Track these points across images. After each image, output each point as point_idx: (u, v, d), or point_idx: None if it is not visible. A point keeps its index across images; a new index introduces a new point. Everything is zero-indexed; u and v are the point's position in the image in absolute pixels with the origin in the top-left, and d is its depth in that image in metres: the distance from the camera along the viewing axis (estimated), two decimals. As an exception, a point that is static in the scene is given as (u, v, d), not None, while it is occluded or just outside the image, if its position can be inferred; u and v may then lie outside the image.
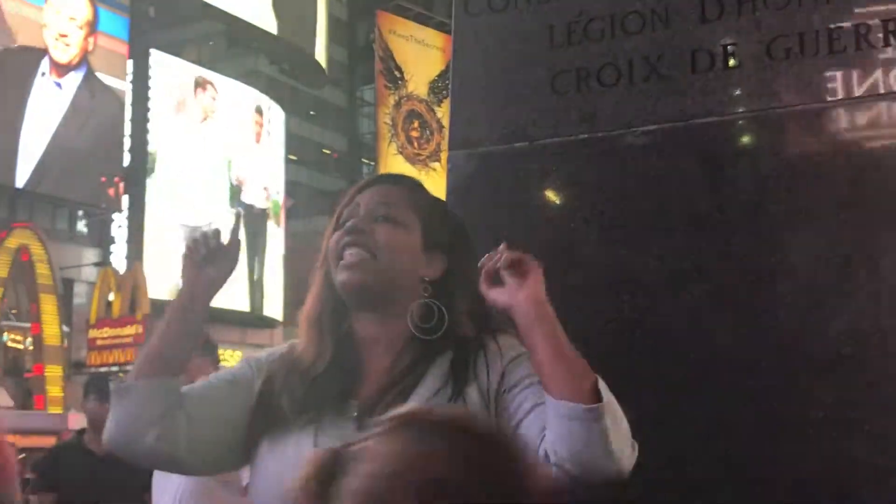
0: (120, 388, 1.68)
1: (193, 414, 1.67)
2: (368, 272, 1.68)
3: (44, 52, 28.69)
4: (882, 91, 2.17)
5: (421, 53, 36.32)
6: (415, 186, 1.83)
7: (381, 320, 1.71)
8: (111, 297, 26.47)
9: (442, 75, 34.41)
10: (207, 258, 1.74)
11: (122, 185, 31.04)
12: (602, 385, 1.54)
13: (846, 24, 2.20)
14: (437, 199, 1.87)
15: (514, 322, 1.65)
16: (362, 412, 1.62)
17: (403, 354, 1.68)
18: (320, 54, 43.50)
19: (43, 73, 28.72)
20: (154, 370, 1.67)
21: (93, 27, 30.07)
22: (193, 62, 37.76)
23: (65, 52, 29.44)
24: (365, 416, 1.59)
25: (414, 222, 1.74)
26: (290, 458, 1.58)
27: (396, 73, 35.54)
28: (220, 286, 1.76)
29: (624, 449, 1.52)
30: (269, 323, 40.19)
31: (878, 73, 2.17)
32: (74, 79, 29.71)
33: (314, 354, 1.71)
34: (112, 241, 32.14)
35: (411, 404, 1.53)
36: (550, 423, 1.51)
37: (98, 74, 30.32)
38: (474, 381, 1.62)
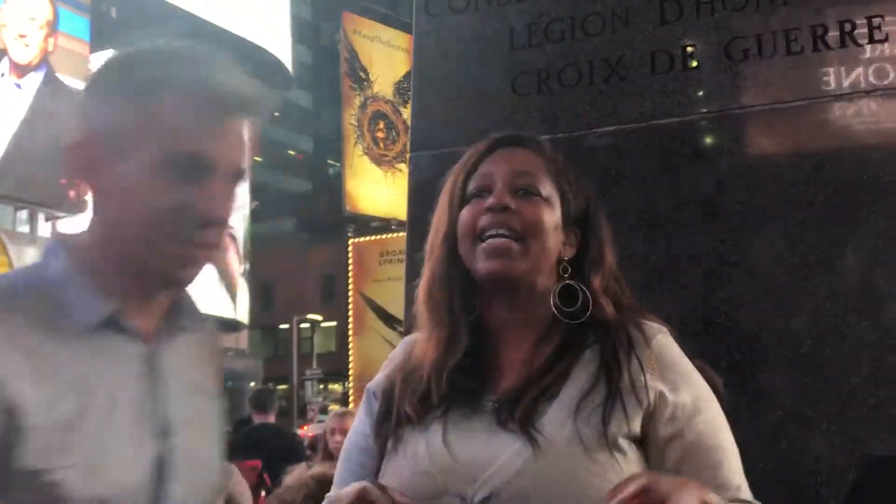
0: None
1: None
2: (518, 258, 1.47)
3: (2, 52, 28.35)
4: (838, 91, 2.19)
5: (386, 54, 36.26)
6: (546, 149, 1.61)
7: (518, 306, 1.51)
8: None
9: (407, 76, 34.34)
10: None
11: (82, 187, 30.70)
12: None
13: (803, 26, 2.22)
14: (570, 166, 1.62)
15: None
16: (501, 408, 1.44)
17: (543, 344, 1.50)
18: (285, 55, 43.28)
19: (2, 74, 28.39)
20: None
21: (53, 27, 29.75)
22: (156, 63, 37.42)
23: (24, 53, 29.10)
24: (504, 412, 1.43)
25: (554, 195, 1.53)
26: (421, 456, 1.44)
27: (361, 73, 35.45)
28: None
29: None
30: (234, 326, 39.97)
31: (833, 74, 2.20)
32: (34, 79, 29.37)
33: (446, 345, 1.51)
34: (74, 243, 31.80)
35: (558, 405, 1.42)
36: None
37: (59, 75, 30.01)
38: (628, 380, 1.43)
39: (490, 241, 1.48)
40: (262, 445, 6.24)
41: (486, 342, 1.53)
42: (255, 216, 41.14)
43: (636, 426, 1.41)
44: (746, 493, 1.43)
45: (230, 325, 39.24)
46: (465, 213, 1.53)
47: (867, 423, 2.00)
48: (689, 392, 1.45)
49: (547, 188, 1.53)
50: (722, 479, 1.41)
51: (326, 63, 46.25)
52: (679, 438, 1.42)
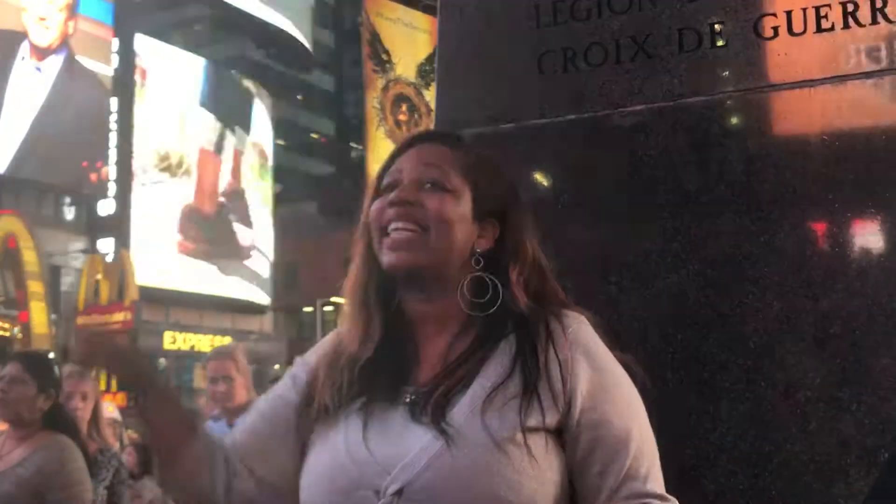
0: None
1: (251, 467, 1.56)
2: (419, 251, 1.50)
3: (23, 35, 28.49)
4: (868, 69, 2.16)
5: (408, 36, 36.21)
6: (461, 144, 1.63)
7: (433, 298, 1.53)
8: (99, 283, 26.41)
9: (430, 58, 34.30)
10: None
11: (104, 169, 30.90)
12: None
13: (833, 2, 2.19)
14: (487, 157, 1.64)
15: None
16: (416, 400, 1.46)
17: (461, 336, 1.52)
18: (307, 38, 43.29)
19: (23, 58, 28.54)
20: None
21: (73, 10, 29.87)
22: (180, 47, 37.58)
23: (44, 36, 29.27)
24: (418, 405, 1.45)
25: (463, 188, 1.54)
26: (339, 449, 1.46)
27: (384, 56, 35.44)
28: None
29: None
30: (259, 309, 40.18)
31: (864, 51, 2.17)
32: (55, 62, 29.54)
33: (361, 337, 1.55)
34: (99, 226, 32.06)
35: (470, 397, 1.43)
36: None
37: (82, 59, 30.14)
38: (543, 371, 1.44)
39: (392, 234, 1.51)
40: None
41: (406, 335, 1.55)
42: (278, 199, 41.28)
43: (550, 417, 1.42)
44: (654, 483, 1.43)
45: (255, 309, 39.50)
46: (374, 207, 1.56)
47: (898, 405, 1.98)
48: (602, 381, 1.46)
49: (454, 181, 1.54)
50: (629, 467, 1.42)
51: (349, 46, 46.22)
52: (590, 427, 1.43)
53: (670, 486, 1.47)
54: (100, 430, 4.53)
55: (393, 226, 1.52)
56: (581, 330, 1.51)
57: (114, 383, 16.36)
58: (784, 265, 2.11)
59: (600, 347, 1.51)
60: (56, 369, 3.69)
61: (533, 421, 1.41)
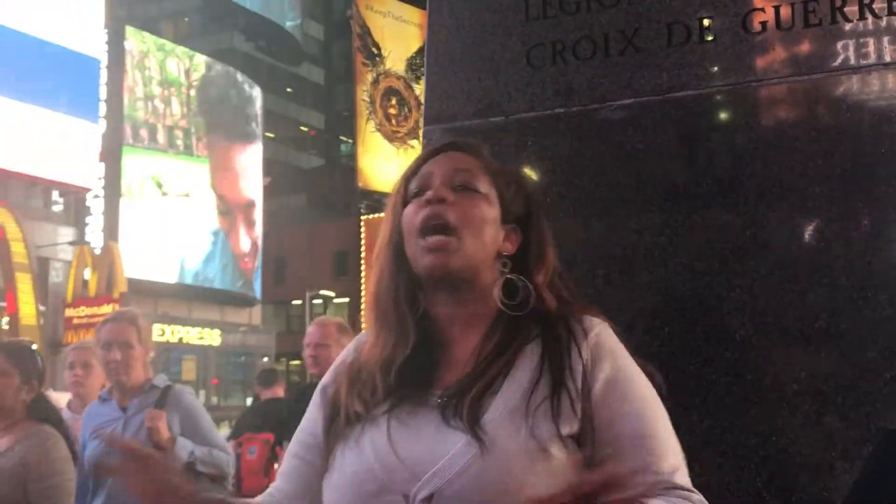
0: None
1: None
2: (454, 253, 1.51)
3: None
4: (856, 64, 2.17)
5: (398, 30, 36.14)
6: (483, 152, 1.67)
7: (462, 301, 1.55)
8: (87, 275, 26.32)
9: (420, 52, 34.26)
10: None
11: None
12: None
13: (821, -2, 2.20)
14: (508, 168, 1.70)
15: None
16: (447, 402, 1.45)
17: (487, 339, 1.52)
18: (297, 30, 43.17)
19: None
20: None
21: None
22: (169, 39, 37.45)
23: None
24: (449, 408, 1.44)
25: (492, 192, 1.58)
26: (367, 453, 1.45)
27: (374, 49, 35.37)
28: None
29: None
30: (248, 301, 40.12)
31: (852, 47, 2.18)
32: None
33: (394, 342, 1.54)
34: (87, 218, 31.95)
35: (501, 400, 1.42)
36: None
37: (72, 48, 30.05)
38: (568, 372, 1.45)
39: (429, 239, 1.52)
40: (270, 419, 6.26)
41: (434, 339, 1.55)
42: (268, 192, 41.20)
43: (576, 420, 1.42)
44: (681, 478, 1.44)
45: (244, 301, 39.42)
46: (408, 211, 1.57)
47: (882, 397, 2.00)
48: (624, 382, 1.47)
49: (485, 185, 1.58)
50: (655, 465, 1.42)
51: (338, 39, 46.14)
52: (613, 428, 1.44)
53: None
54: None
55: (429, 225, 1.53)
56: (603, 333, 1.52)
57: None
58: (771, 259, 2.12)
59: (622, 350, 1.52)
60: (39, 360, 3.67)
61: (564, 427, 1.41)
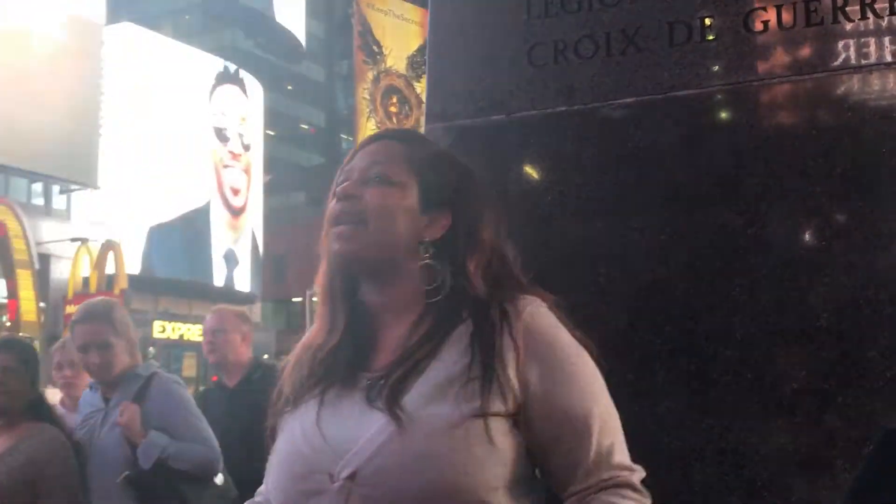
0: None
1: None
2: (360, 241, 1.55)
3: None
4: (858, 64, 2.17)
5: (399, 28, 36.10)
6: (412, 140, 1.70)
7: (386, 288, 1.59)
8: (87, 272, 26.30)
9: (420, 50, 34.24)
10: None
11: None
12: None
13: (823, -3, 2.20)
14: (440, 152, 1.70)
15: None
16: (372, 385, 1.49)
17: (418, 324, 1.55)
18: (298, 28, 43.15)
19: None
20: None
21: (67, -1, 29.71)
22: (170, 36, 37.44)
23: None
24: (373, 390, 1.48)
25: (409, 180, 1.60)
26: (296, 436, 1.51)
27: (374, 47, 35.32)
28: None
29: None
30: (248, 298, 40.12)
31: (854, 46, 2.18)
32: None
33: (327, 328, 1.61)
34: (87, 215, 31.91)
35: (424, 381, 1.45)
36: None
37: (73, 46, 30.03)
38: (498, 355, 1.46)
39: (335, 228, 1.58)
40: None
41: (366, 326, 1.60)
42: (268, 190, 41.18)
43: (505, 401, 1.44)
44: (620, 456, 1.47)
45: (244, 298, 39.39)
46: (330, 204, 1.63)
47: (883, 397, 2.00)
48: (558, 361, 1.49)
49: (400, 174, 1.60)
50: (594, 445, 1.45)
51: (339, 37, 46.10)
52: (549, 409, 1.46)
53: (657, 477, 1.49)
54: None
55: (337, 219, 1.58)
56: (536, 313, 1.52)
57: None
58: (772, 258, 2.13)
59: (557, 329, 1.53)
60: (37, 357, 3.67)
61: (487, 405, 1.42)
